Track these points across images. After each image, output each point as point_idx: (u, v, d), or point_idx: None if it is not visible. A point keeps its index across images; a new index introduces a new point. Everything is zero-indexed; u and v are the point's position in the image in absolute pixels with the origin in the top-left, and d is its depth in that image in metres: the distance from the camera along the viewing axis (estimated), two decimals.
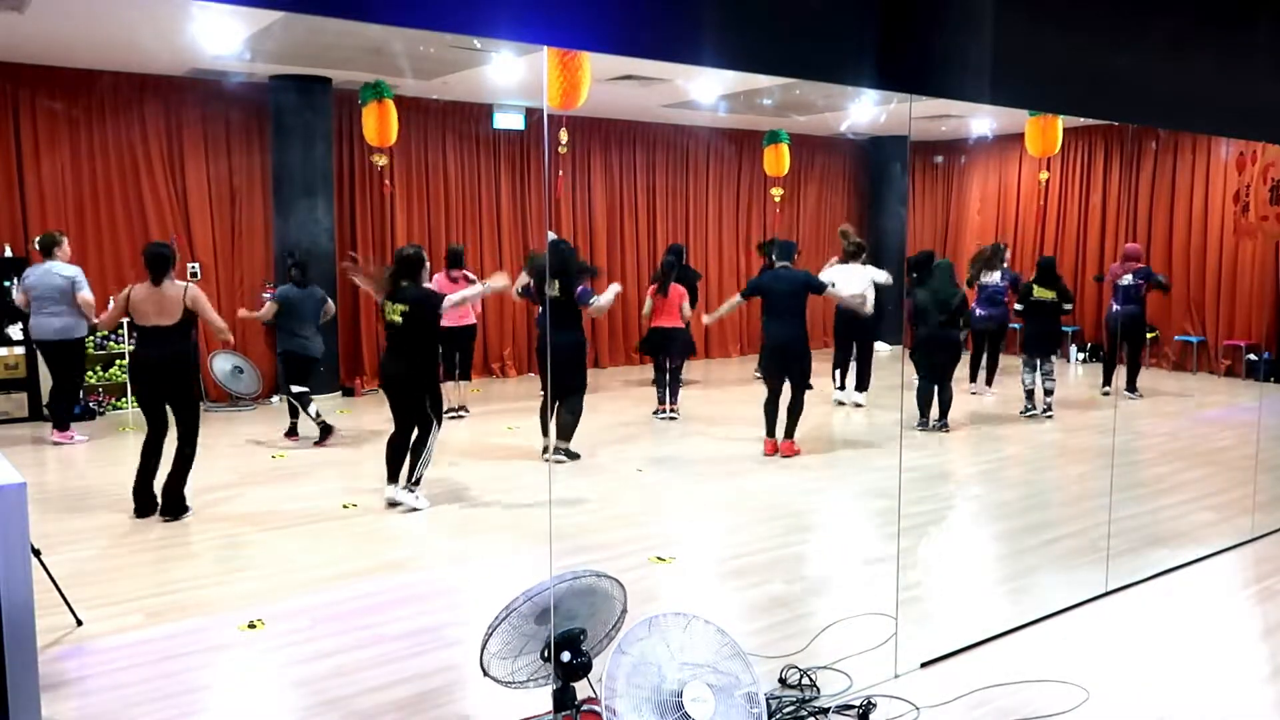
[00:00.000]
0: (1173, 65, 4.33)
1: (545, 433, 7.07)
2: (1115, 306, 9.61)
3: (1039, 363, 8.63)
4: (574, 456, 7.00)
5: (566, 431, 6.97)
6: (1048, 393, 8.67)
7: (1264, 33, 4.67)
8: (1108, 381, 9.76)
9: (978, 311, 9.03)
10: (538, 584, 3.05)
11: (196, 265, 9.40)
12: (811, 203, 13.84)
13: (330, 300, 7.86)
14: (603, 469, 6.86)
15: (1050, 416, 8.66)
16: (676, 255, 9.27)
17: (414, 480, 5.84)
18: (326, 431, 7.64)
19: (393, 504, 5.85)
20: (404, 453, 5.91)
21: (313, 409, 7.60)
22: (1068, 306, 8.65)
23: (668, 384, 8.71)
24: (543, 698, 3.18)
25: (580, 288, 6.82)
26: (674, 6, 2.88)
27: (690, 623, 2.99)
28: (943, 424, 8.12)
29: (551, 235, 10.40)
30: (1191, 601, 4.53)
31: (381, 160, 8.75)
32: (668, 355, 8.69)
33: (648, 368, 11.68)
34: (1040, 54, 3.86)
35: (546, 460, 6.96)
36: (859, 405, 9.20)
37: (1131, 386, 9.72)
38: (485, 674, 3.07)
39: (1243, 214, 9.16)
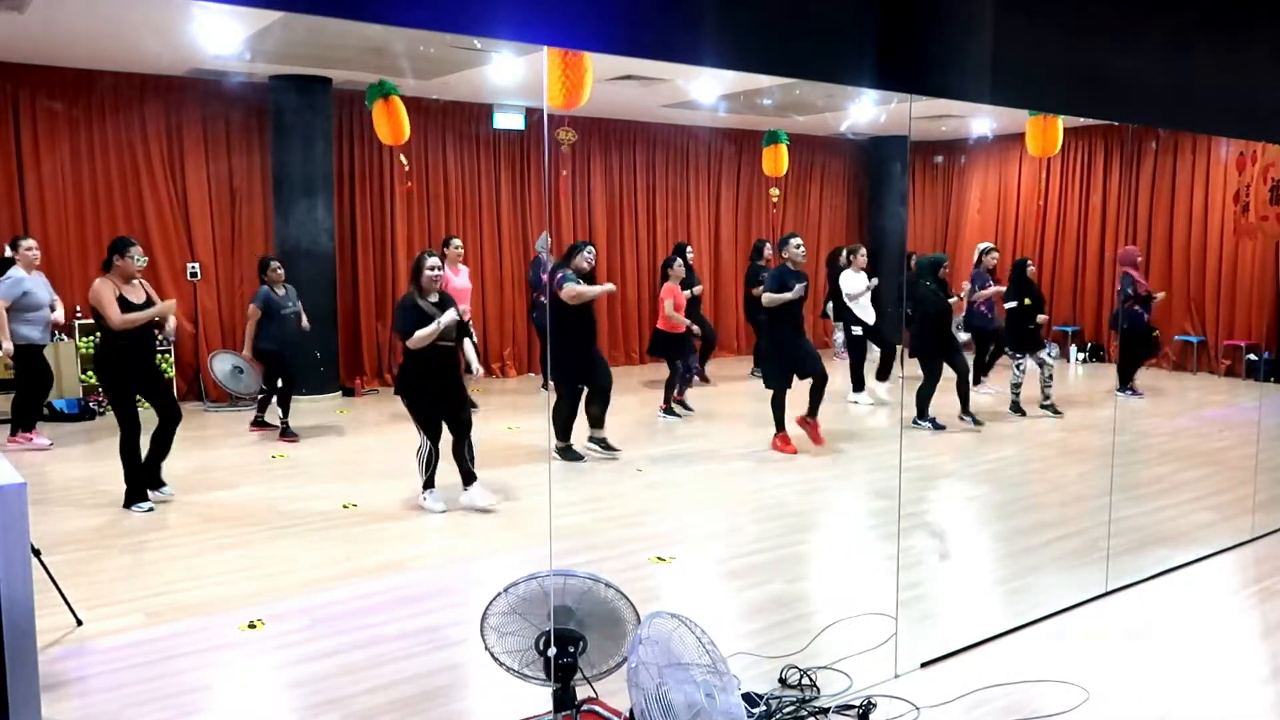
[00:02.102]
0: (1173, 65, 4.33)
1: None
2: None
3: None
4: (607, 448, 7.18)
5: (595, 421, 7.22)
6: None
7: (1264, 33, 4.67)
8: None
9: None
10: (551, 569, 3.07)
11: (196, 265, 9.40)
12: (812, 203, 13.85)
13: (253, 303, 7.90)
14: (603, 469, 6.86)
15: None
16: (678, 253, 9.35)
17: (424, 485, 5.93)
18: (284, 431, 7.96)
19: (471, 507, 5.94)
20: (456, 456, 5.98)
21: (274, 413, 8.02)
22: (1009, 305, 8.83)
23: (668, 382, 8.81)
24: (543, 697, 3.18)
25: (561, 273, 6.92)
26: (674, 6, 2.88)
27: (680, 625, 2.99)
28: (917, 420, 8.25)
29: (543, 237, 10.42)
30: (1191, 601, 4.53)
31: (404, 162, 8.83)
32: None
33: (648, 367, 11.69)
34: (1040, 54, 3.86)
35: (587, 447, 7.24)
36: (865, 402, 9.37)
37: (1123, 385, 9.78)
38: (485, 647, 3.11)
39: (1243, 214, 9.16)
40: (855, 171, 14.24)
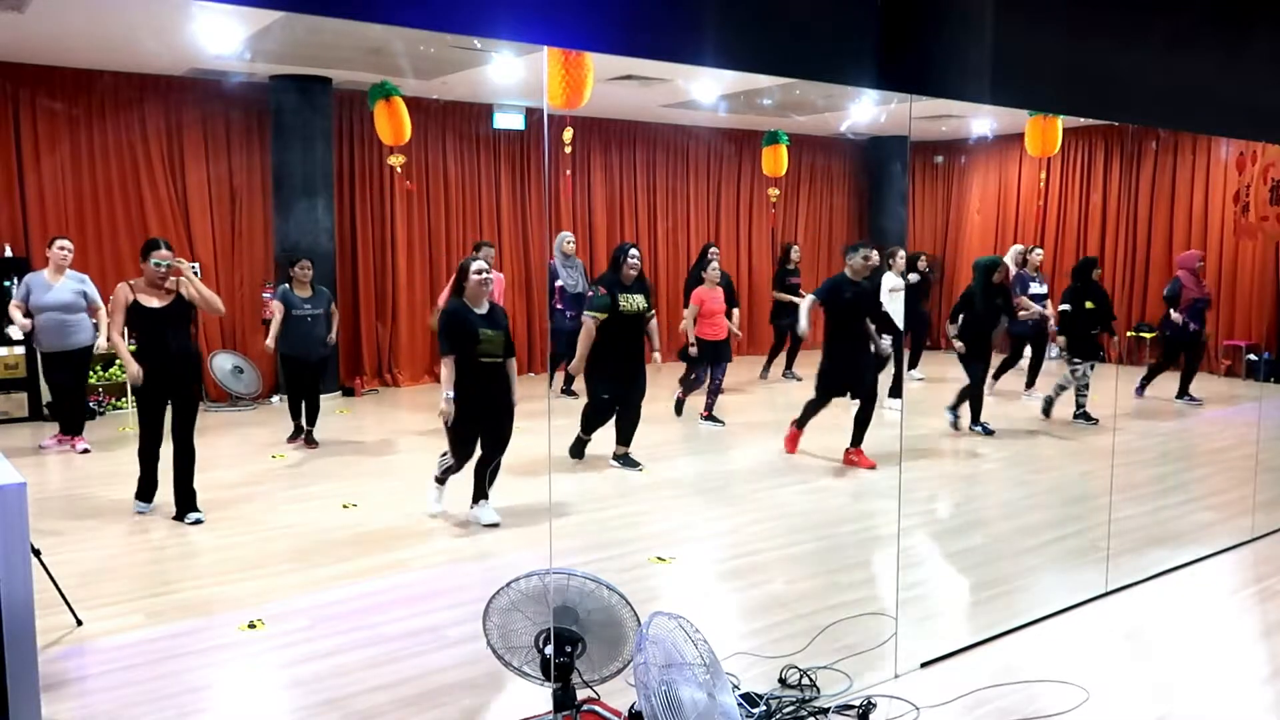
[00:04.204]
0: (1173, 65, 4.33)
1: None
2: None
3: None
4: (629, 464, 6.91)
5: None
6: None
7: (1264, 33, 4.67)
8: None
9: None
10: (552, 568, 3.07)
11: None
12: (812, 203, 13.85)
13: (274, 299, 7.62)
14: (604, 469, 6.86)
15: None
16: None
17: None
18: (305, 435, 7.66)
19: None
20: (480, 469, 5.61)
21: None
22: (1064, 308, 8.54)
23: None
24: (543, 697, 3.18)
25: (592, 292, 6.69)
26: (674, 6, 2.88)
27: (677, 626, 2.99)
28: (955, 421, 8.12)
29: (569, 236, 9.83)
30: (1191, 601, 4.53)
31: (399, 160, 8.71)
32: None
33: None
34: (1040, 54, 3.86)
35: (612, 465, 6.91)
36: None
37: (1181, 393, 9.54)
38: (488, 642, 3.13)
39: (1243, 214, 9.15)
40: (855, 171, 14.24)
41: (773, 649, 3.86)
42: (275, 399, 9.52)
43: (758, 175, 12.55)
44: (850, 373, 6.91)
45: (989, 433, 8.01)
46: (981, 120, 12.07)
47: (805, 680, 3.56)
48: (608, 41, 2.80)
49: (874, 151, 13.98)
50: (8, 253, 8.48)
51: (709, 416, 8.41)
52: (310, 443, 7.55)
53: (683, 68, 8.25)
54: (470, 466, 5.62)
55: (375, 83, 8.02)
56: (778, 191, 11.93)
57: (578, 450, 7.04)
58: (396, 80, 8.22)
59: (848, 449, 6.99)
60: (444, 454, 5.62)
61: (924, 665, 3.76)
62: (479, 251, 8.19)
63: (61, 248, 7.16)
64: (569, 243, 9.63)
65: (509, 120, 10.88)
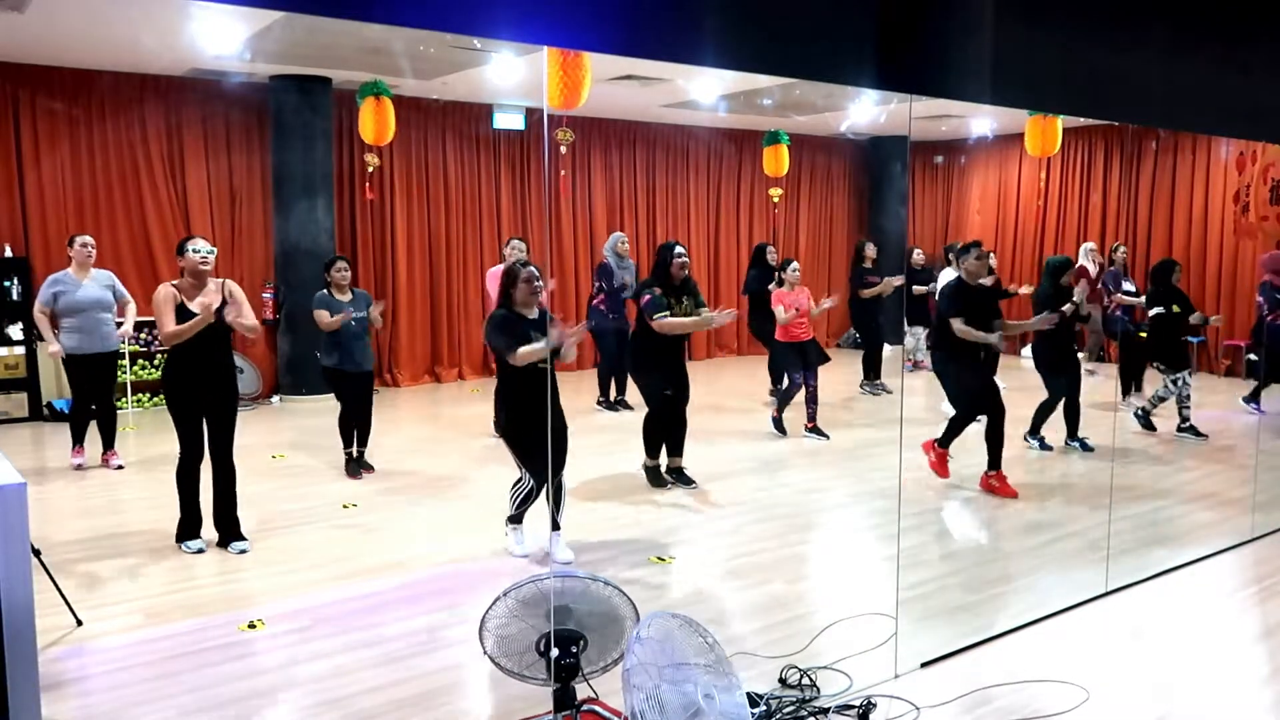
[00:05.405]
0: (1173, 65, 4.33)
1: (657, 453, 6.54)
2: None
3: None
4: (684, 480, 6.50)
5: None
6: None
7: (1264, 33, 4.67)
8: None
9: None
10: (549, 570, 3.07)
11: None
12: (812, 203, 13.86)
13: (315, 308, 6.66)
14: (602, 469, 6.85)
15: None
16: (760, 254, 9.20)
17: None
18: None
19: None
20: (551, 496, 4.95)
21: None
22: (1154, 313, 7.94)
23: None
24: (543, 697, 3.18)
25: (649, 294, 6.19)
26: (674, 6, 2.88)
27: (681, 625, 2.99)
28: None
29: (622, 237, 9.26)
30: (1191, 601, 4.53)
31: (374, 162, 8.62)
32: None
33: None
34: (1040, 54, 3.86)
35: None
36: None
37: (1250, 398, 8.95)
38: (484, 651, 3.12)
39: (1243, 214, 9.16)
40: (855, 171, 14.25)
41: (773, 649, 3.86)
42: (275, 399, 9.52)
43: (758, 175, 12.55)
44: (989, 385, 6.34)
45: (1088, 449, 7.38)
46: (981, 120, 12.08)
47: (805, 680, 3.56)
48: (608, 41, 2.80)
49: (874, 151, 13.99)
50: (8, 253, 8.49)
51: (813, 429, 7.89)
52: (367, 468, 6.79)
53: (683, 68, 8.25)
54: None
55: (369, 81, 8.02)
56: (780, 191, 11.92)
57: (656, 479, 6.46)
58: (396, 80, 8.21)
59: (986, 473, 6.33)
60: (515, 483, 5.06)
61: (924, 665, 3.76)
62: (509, 246, 7.74)
63: (84, 244, 6.68)
64: (623, 243, 9.09)
65: (509, 120, 10.89)
